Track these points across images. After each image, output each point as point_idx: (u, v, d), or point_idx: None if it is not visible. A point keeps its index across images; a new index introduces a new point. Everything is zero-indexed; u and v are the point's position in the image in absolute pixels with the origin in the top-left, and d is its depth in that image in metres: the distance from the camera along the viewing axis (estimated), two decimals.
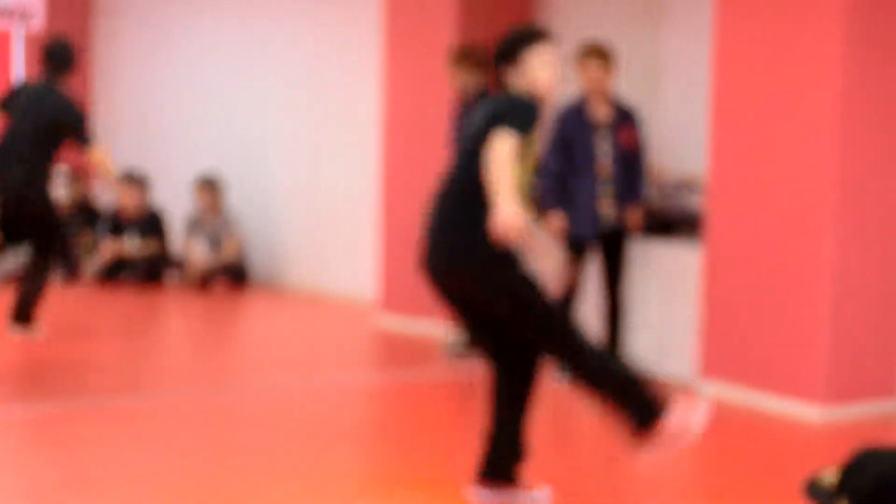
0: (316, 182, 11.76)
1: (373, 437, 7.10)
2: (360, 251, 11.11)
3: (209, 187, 12.31)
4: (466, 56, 8.80)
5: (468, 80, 8.79)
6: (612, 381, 5.22)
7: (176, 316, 11.22)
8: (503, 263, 5.18)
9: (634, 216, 8.18)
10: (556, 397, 7.37)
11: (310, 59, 11.50)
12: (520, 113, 5.17)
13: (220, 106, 13.05)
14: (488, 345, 5.49)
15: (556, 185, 8.11)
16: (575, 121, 8.12)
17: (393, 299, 10.18)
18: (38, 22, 12.34)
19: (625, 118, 8.19)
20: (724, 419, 7.42)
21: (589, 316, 8.48)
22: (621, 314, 8.30)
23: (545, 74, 5.42)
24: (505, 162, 4.99)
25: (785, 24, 7.41)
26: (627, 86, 8.61)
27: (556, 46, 5.46)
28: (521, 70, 5.40)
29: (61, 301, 10.63)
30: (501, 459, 5.45)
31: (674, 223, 8.47)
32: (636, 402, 5.20)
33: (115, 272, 12.25)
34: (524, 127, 5.14)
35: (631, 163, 8.19)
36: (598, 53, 8.09)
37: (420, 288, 9.87)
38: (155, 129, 13.43)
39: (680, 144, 8.78)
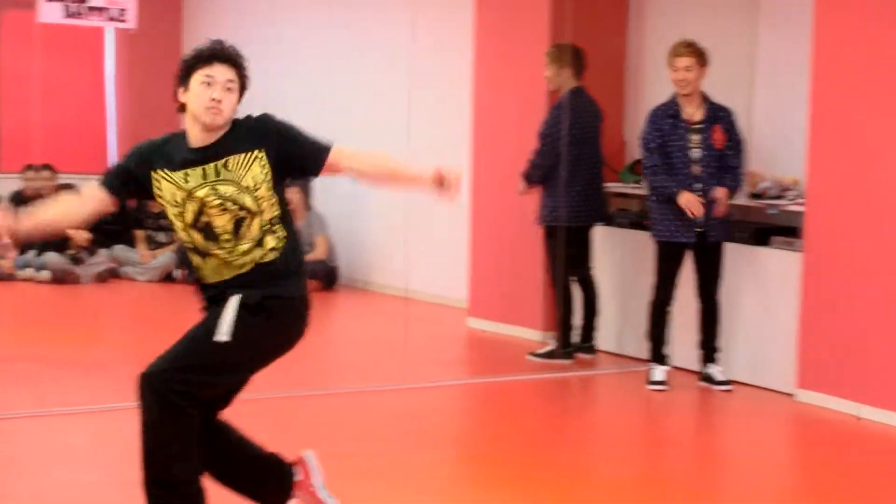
0: None
1: (465, 438, 7.05)
2: (451, 253, 11.03)
3: (298, 187, 12.29)
4: (560, 54, 8.71)
5: (561, 79, 8.71)
6: None
7: None
8: None
9: (721, 200, 7.91)
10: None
11: (403, 59, 11.43)
12: None
13: (310, 103, 13.03)
14: None
15: (665, 175, 7.96)
16: (667, 120, 7.99)
17: (481, 303, 10.10)
18: (131, 20, 12.38)
19: (717, 117, 8.02)
20: (821, 431, 7.28)
21: (685, 322, 8.34)
22: (717, 320, 8.15)
23: None
24: None
25: (887, 22, 7.23)
26: (723, 87, 8.44)
27: None
28: None
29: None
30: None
31: (771, 229, 8.29)
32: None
33: None
34: None
35: (724, 162, 8.00)
36: (688, 51, 7.94)
37: (508, 292, 9.90)
38: None
39: (777, 148, 8.60)
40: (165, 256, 12.57)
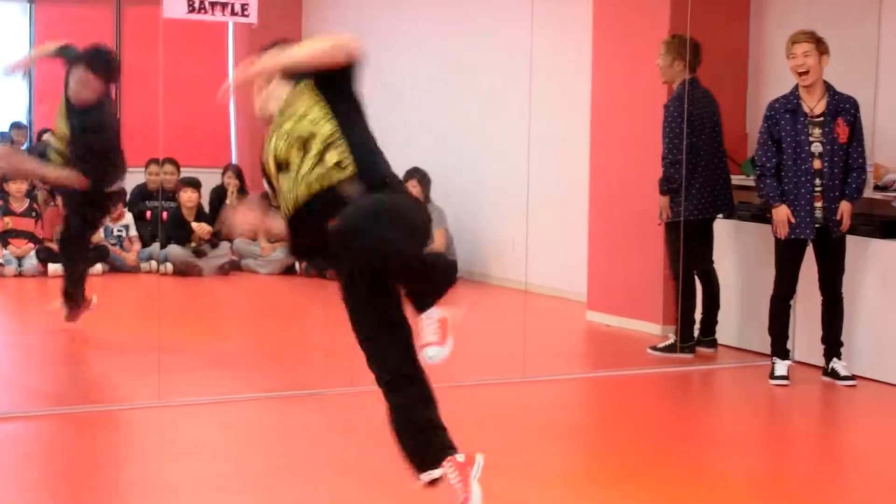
0: (525, 177, 11.67)
1: (583, 432, 7.02)
2: (571, 246, 10.99)
3: (416, 179, 12.32)
4: (675, 45, 8.62)
5: (674, 71, 8.63)
6: None
7: None
8: None
9: (845, 214, 7.83)
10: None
11: (522, 50, 11.39)
12: None
13: (429, 96, 13.07)
14: None
15: (774, 180, 7.87)
16: (785, 115, 7.87)
17: (600, 296, 10.07)
18: (253, 14, 12.49)
19: (840, 109, 7.85)
20: None
21: (806, 316, 8.23)
22: (841, 315, 8.02)
23: None
24: None
25: None
26: (847, 78, 8.30)
27: None
28: None
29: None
30: None
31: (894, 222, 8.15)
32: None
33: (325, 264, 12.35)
34: None
35: (847, 157, 7.86)
36: (806, 37, 7.78)
37: (627, 286, 9.85)
38: None
39: None
40: (286, 249, 12.67)
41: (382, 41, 13.40)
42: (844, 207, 7.79)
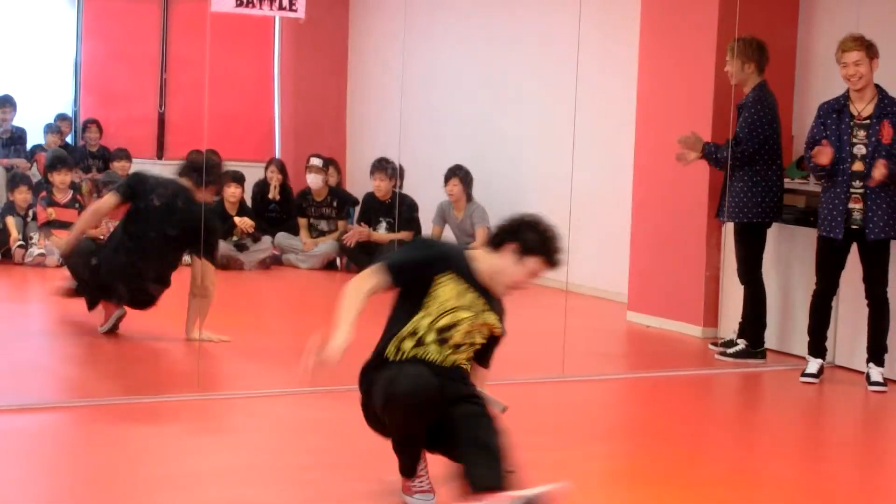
0: (568, 177, 11.64)
1: (623, 432, 7.00)
2: (613, 246, 10.95)
3: (458, 178, 12.31)
4: (744, 48, 8.59)
5: (745, 74, 8.61)
6: None
7: None
8: None
9: (879, 167, 7.63)
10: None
11: (566, 55, 11.36)
12: None
13: (474, 97, 13.06)
14: None
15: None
16: (832, 116, 7.84)
17: (642, 297, 10.03)
18: (300, 9, 12.54)
19: (887, 112, 7.80)
20: None
21: (848, 318, 8.19)
22: (884, 319, 7.97)
23: None
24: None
25: None
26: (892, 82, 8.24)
27: None
28: None
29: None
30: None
31: None
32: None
33: (367, 259, 12.35)
34: None
35: (890, 158, 7.75)
36: (856, 44, 7.76)
37: (669, 287, 9.80)
38: (407, 121, 13.51)
39: None
40: (328, 244, 12.69)
41: (429, 39, 13.41)
42: (880, 161, 7.67)
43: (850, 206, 7.82)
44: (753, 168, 8.57)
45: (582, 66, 9.84)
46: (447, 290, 5.10)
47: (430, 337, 5.08)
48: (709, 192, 9.31)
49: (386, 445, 5.14)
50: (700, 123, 9.13)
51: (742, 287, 8.78)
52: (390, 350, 5.12)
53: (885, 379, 7.93)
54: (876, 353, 7.97)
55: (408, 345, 5.09)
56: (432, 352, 5.09)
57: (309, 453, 6.05)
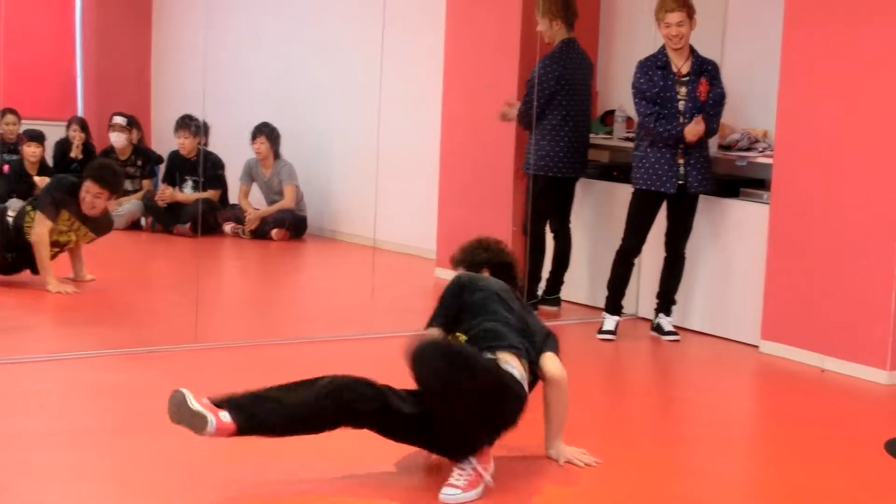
0: (375, 132, 11.66)
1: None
2: (421, 203, 10.99)
3: (265, 135, 12.22)
4: (549, 6, 8.65)
5: (553, 31, 8.68)
6: None
7: (231, 263, 11.19)
8: None
9: (698, 122, 7.84)
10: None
11: (373, 10, 11.34)
12: None
13: (279, 53, 12.95)
14: None
15: (664, 122, 7.92)
16: (657, 72, 7.97)
17: (449, 254, 10.06)
18: None
19: (703, 70, 8.00)
20: (784, 380, 7.32)
21: (649, 269, 8.37)
22: (680, 274, 8.23)
23: None
24: None
25: None
26: (695, 41, 8.40)
27: None
28: None
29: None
30: None
31: (741, 181, 8.29)
32: None
33: (172, 219, 12.20)
34: None
35: (704, 112, 7.94)
36: (678, 5, 7.90)
37: None
38: (211, 77, 13.34)
39: (747, 100, 8.57)
40: (132, 204, 12.45)
41: (236, 23, 13.25)
42: (698, 118, 7.85)
43: (677, 161, 7.98)
44: (552, 122, 8.65)
45: (388, 20, 9.84)
46: None
47: None
48: (515, 146, 9.38)
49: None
50: (506, 77, 9.19)
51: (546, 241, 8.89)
52: None
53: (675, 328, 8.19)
54: (666, 305, 8.21)
55: None
56: None
57: (104, 416, 5.94)
